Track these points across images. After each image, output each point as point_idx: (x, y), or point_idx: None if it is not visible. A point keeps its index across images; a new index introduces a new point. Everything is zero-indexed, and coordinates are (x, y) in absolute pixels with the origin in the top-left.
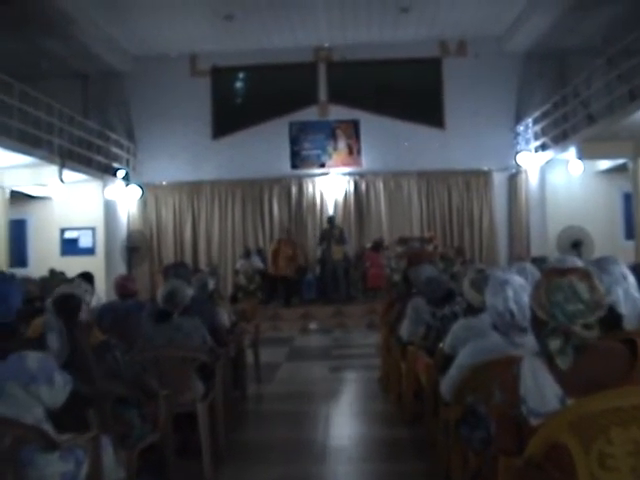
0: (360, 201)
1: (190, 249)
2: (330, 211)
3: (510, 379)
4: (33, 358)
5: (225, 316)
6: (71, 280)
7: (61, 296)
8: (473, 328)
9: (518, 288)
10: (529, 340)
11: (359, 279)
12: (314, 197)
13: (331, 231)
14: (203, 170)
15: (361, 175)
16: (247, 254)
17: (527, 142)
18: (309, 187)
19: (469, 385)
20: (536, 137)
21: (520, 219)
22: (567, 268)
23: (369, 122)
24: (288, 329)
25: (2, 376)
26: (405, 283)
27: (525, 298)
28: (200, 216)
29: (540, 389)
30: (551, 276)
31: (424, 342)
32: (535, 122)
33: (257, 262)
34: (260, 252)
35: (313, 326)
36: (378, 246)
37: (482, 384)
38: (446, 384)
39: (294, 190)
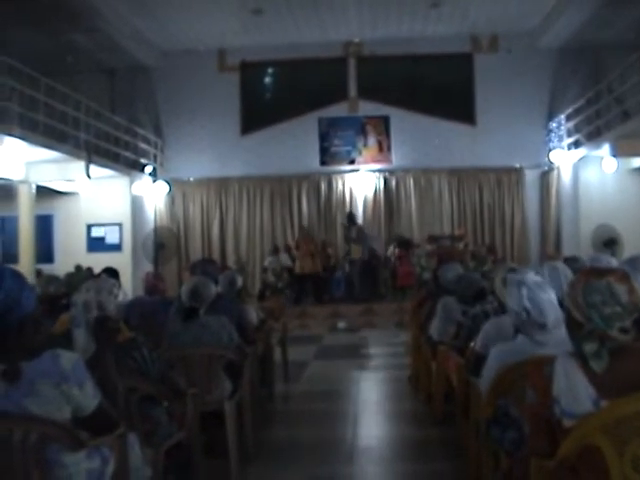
0: (390, 198)
1: (218, 246)
2: (360, 208)
3: (542, 379)
4: (68, 358)
5: (253, 314)
6: (97, 276)
7: (98, 318)
8: (504, 327)
9: (532, 286)
10: (552, 337)
11: (388, 277)
12: (343, 194)
13: (350, 229)
14: (231, 166)
15: (391, 172)
16: (275, 251)
17: (560, 139)
18: (338, 184)
19: (499, 386)
20: (569, 134)
21: (552, 217)
22: (605, 269)
23: (399, 118)
24: (316, 327)
25: (34, 373)
26: (435, 281)
27: (541, 295)
28: (228, 213)
29: (573, 390)
30: (588, 276)
31: (455, 341)
32: (568, 119)
33: (285, 259)
34: (288, 249)
35: (342, 325)
36: (407, 244)
37: (513, 385)
38: (481, 384)
39: (323, 187)
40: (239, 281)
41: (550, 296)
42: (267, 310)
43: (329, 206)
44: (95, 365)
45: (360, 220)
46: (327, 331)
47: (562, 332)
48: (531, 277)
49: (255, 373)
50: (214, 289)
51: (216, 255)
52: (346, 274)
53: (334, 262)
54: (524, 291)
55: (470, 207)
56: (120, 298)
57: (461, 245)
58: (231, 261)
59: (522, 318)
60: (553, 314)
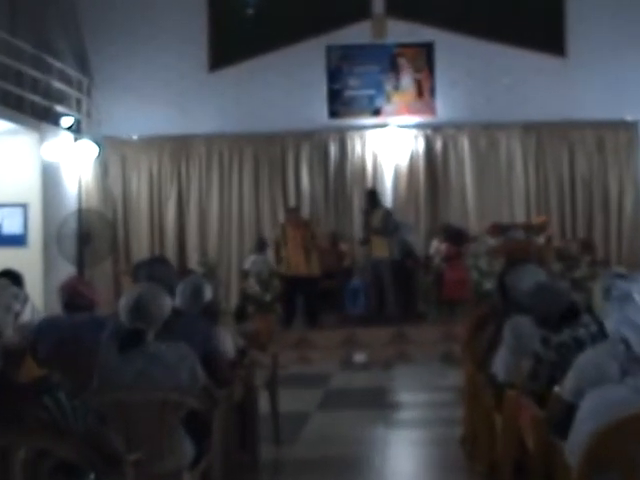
0: (433, 168)
1: (174, 239)
2: (387, 184)
3: None
4: None
5: (228, 340)
6: None
7: None
8: (607, 363)
9: None
10: None
11: (430, 287)
12: (363, 162)
13: (370, 215)
14: (195, 119)
15: (436, 128)
16: (261, 247)
17: None
18: (356, 146)
19: (598, 455)
20: None
21: None
22: None
23: (448, 46)
24: (322, 361)
25: None
26: (502, 293)
27: None
28: (190, 189)
29: None
30: None
31: (531, 383)
32: None
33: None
34: (276, 247)
35: (360, 358)
36: (459, 237)
37: (620, 453)
38: (569, 451)
39: (333, 151)
40: (207, 291)
41: None
42: (249, 335)
43: (342, 180)
44: None
45: (388, 201)
46: (338, 367)
47: None
48: None
49: (230, 430)
50: (169, 303)
51: (172, 252)
52: (367, 281)
53: (349, 263)
54: (630, 311)
55: (555, 182)
56: (25, 316)
57: (541, 239)
58: (194, 261)
59: (618, 350)
60: None
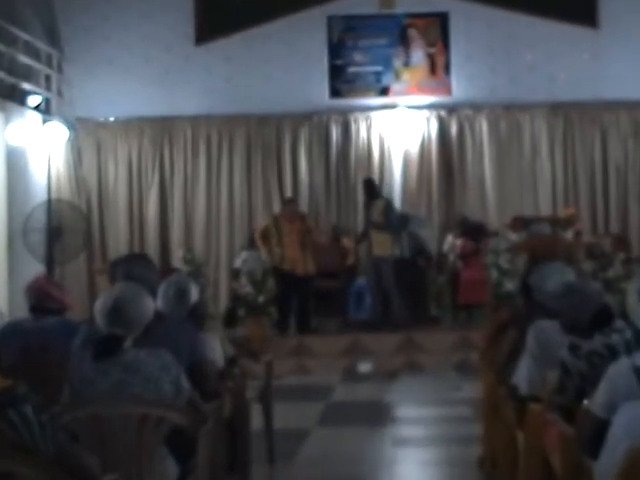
0: (448, 154)
1: (156, 233)
2: (396, 172)
3: None
4: None
5: (217, 348)
6: None
7: None
8: None
9: None
10: None
11: (444, 288)
12: (369, 146)
13: (370, 207)
14: (180, 97)
15: (451, 109)
16: (254, 242)
17: None
18: (361, 129)
19: (634, 477)
20: None
21: None
22: None
23: (465, 16)
24: (322, 371)
25: None
26: (525, 295)
27: None
28: (174, 177)
29: None
30: None
31: (558, 397)
32: None
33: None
34: (261, 239)
35: (365, 367)
36: (477, 232)
37: None
38: (601, 472)
39: (335, 134)
40: (193, 292)
41: None
42: (240, 342)
43: (345, 168)
44: None
45: (396, 191)
46: (340, 378)
47: None
48: None
49: (218, 448)
50: (151, 306)
51: (153, 249)
52: (372, 282)
53: (353, 261)
54: None
55: (586, 170)
56: None
57: (570, 234)
58: (179, 259)
59: None
60: None
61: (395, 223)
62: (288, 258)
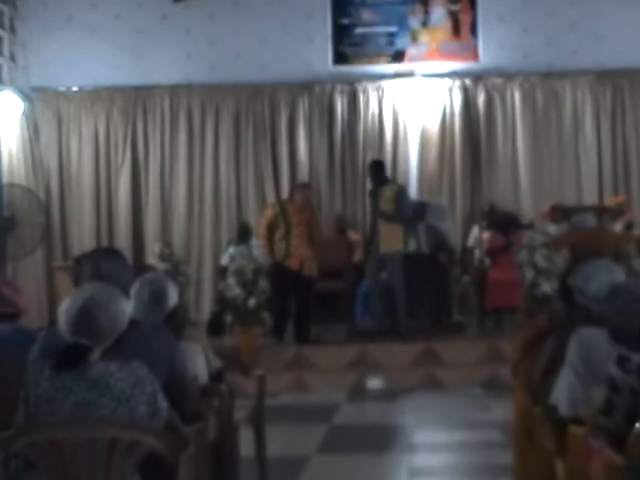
0: (474, 130)
1: (128, 224)
2: (412, 150)
3: None
4: None
5: (199, 360)
6: None
7: None
8: None
9: None
10: None
11: (469, 290)
12: (380, 122)
13: (375, 194)
14: (155, 63)
15: (477, 77)
16: (244, 236)
17: None
18: (371, 101)
19: None
20: None
21: None
22: None
23: None
24: (325, 388)
25: None
26: (565, 298)
27: None
28: (149, 157)
29: None
30: None
31: (604, 418)
32: None
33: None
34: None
35: (375, 383)
36: (508, 223)
37: None
38: None
39: (340, 107)
40: (171, 295)
41: None
42: (228, 353)
43: (352, 147)
44: None
45: (412, 175)
46: (345, 396)
47: None
48: None
49: (202, 478)
50: (126, 311)
51: (125, 242)
52: (376, 284)
53: (361, 258)
54: None
55: (638, 148)
56: None
57: (619, 226)
58: (154, 254)
59: None
60: None
61: (409, 213)
62: (295, 255)
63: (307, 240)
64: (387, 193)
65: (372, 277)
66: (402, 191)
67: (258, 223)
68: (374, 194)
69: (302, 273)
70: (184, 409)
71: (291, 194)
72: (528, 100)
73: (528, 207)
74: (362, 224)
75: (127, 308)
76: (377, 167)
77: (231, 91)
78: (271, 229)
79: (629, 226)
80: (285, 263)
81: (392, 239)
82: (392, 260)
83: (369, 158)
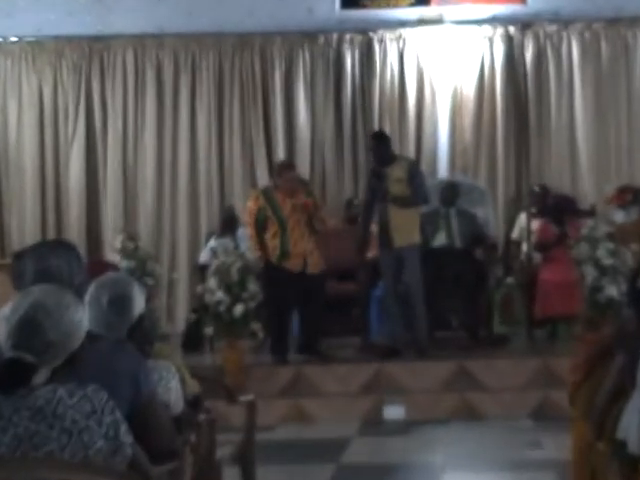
0: (520, 92)
1: (81, 211)
2: (442, 117)
3: None
4: None
5: (172, 383)
6: None
7: None
8: None
9: None
10: None
11: (514, 294)
12: (401, 81)
13: (379, 176)
14: (117, 8)
15: (526, 24)
16: (229, 225)
17: None
18: (389, 55)
19: None
20: None
21: None
22: None
23: None
24: (332, 418)
25: None
26: (636, 305)
27: None
28: (108, 126)
29: None
30: None
31: None
32: None
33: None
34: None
35: (395, 412)
36: (564, 210)
37: None
38: None
39: (349, 62)
40: (137, 300)
41: None
42: (208, 374)
43: (365, 112)
44: None
45: (442, 148)
46: (358, 428)
47: None
48: None
49: None
50: (83, 321)
51: (77, 234)
52: (390, 288)
53: (376, 254)
54: None
55: None
56: None
57: None
58: (114, 250)
59: None
60: None
61: (426, 195)
62: (295, 253)
63: (306, 230)
64: (396, 173)
65: (388, 278)
66: (415, 168)
67: (245, 214)
68: (379, 175)
69: (306, 273)
70: (153, 445)
71: (274, 178)
72: (590, 53)
73: (589, 189)
74: (379, 210)
75: (84, 318)
76: (380, 140)
77: (211, 42)
78: (259, 226)
79: None
80: (283, 265)
81: (408, 229)
82: (409, 256)
83: (387, 126)
